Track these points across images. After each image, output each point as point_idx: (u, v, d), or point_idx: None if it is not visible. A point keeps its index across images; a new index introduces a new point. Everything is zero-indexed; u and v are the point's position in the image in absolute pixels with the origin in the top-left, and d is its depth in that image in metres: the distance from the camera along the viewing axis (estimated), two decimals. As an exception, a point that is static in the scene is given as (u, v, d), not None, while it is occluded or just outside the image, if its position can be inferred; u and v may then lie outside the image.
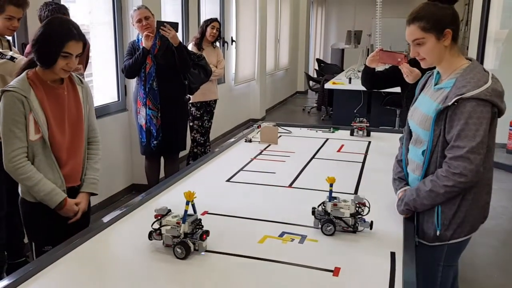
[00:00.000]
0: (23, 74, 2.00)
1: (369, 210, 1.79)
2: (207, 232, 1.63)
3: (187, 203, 1.59)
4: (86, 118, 2.17)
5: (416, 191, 1.84)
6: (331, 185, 1.80)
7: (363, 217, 1.78)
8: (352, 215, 1.76)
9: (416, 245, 1.92)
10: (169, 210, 1.66)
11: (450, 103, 1.72)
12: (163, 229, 1.61)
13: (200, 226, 1.63)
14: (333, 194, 1.80)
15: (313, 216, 1.81)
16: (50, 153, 2.02)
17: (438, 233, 1.84)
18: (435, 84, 1.90)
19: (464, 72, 1.78)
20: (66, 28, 1.96)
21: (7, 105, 1.93)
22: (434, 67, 1.93)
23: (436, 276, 1.89)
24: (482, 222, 1.88)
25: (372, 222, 1.78)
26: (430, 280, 1.91)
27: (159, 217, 1.63)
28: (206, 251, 1.63)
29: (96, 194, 2.26)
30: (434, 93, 1.87)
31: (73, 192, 2.13)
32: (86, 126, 2.19)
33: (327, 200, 1.79)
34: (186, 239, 1.58)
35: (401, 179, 2.04)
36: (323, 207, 1.80)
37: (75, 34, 1.96)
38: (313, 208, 1.82)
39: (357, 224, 1.77)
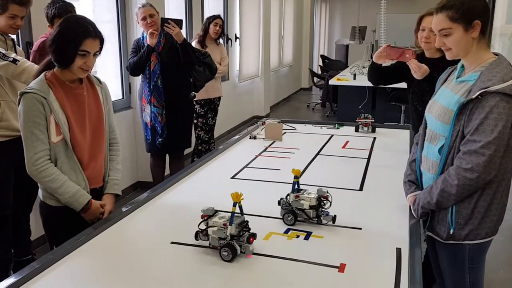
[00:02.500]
0: (41, 75, 1.96)
1: (330, 204, 1.82)
2: (254, 235, 1.59)
3: (234, 205, 1.56)
4: (106, 119, 2.13)
5: (430, 194, 1.80)
6: (295, 177, 1.84)
7: (327, 210, 1.82)
8: (312, 207, 1.79)
9: (424, 240, 1.91)
10: (216, 211, 1.63)
11: (473, 96, 1.66)
12: (210, 230, 1.58)
13: (247, 228, 1.60)
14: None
15: (279, 206, 1.87)
16: (72, 155, 1.98)
17: (451, 231, 1.79)
18: (457, 77, 1.84)
19: (490, 66, 1.72)
20: (82, 26, 1.92)
21: (27, 107, 1.88)
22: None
23: (465, 278, 1.85)
24: (499, 224, 1.83)
25: (335, 216, 1.81)
26: (460, 282, 1.87)
27: (205, 218, 1.61)
28: (254, 253, 1.60)
29: (120, 195, 2.21)
30: (456, 86, 1.82)
31: (95, 193, 2.08)
32: (107, 127, 2.15)
33: (291, 191, 1.84)
34: (232, 242, 1.55)
35: (411, 182, 1.99)
36: (288, 198, 1.84)
37: (91, 31, 1.93)
38: (280, 199, 1.86)
39: (321, 217, 1.81)
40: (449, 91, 1.84)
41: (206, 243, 1.62)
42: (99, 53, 1.99)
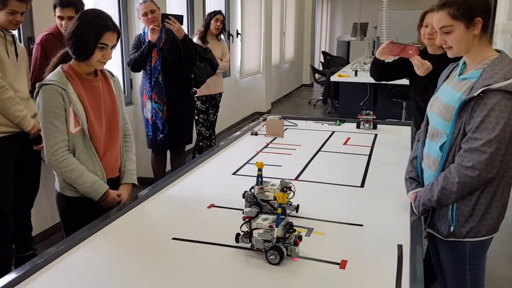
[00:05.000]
0: (58, 68, 2.00)
1: (294, 194, 1.84)
2: (300, 237, 1.55)
3: (280, 206, 1.53)
4: (120, 110, 2.18)
5: (431, 191, 1.79)
6: (259, 170, 1.87)
7: (290, 200, 1.85)
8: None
9: (425, 237, 1.91)
10: (258, 212, 1.60)
11: (475, 94, 1.65)
12: (255, 233, 1.54)
13: (291, 230, 1.55)
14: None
15: (244, 199, 1.89)
16: (90, 145, 2.02)
17: (452, 229, 1.79)
18: (459, 75, 1.83)
19: (492, 63, 1.71)
20: (101, 20, 1.97)
21: (47, 98, 1.92)
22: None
23: (465, 275, 1.84)
24: (500, 221, 1.82)
25: (298, 205, 1.86)
26: (460, 279, 1.86)
27: (248, 220, 1.57)
28: (299, 256, 1.57)
29: (137, 185, 2.27)
30: (458, 83, 1.80)
31: (112, 183, 2.13)
32: (121, 118, 2.20)
33: (255, 184, 1.86)
34: (279, 244, 1.51)
35: (412, 179, 1.98)
36: (252, 191, 1.87)
37: (110, 25, 1.98)
38: (244, 192, 1.89)
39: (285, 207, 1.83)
40: (451, 88, 1.83)
41: (244, 245, 1.58)
42: (115, 47, 2.04)
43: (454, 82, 1.84)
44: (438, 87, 1.95)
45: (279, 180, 1.88)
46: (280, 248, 1.50)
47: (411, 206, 1.91)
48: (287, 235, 1.54)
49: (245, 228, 1.58)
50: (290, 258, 1.53)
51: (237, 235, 1.59)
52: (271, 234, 1.51)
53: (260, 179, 1.88)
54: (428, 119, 1.95)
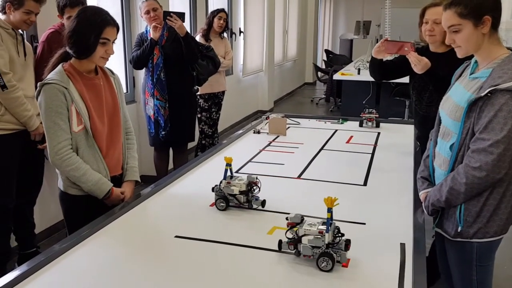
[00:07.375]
0: (59, 67, 2.00)
1: (259, 189, 1.89)
2: (349, 242, 1.50)
3: (329, 210, 1.48)
4: (121, 108, 2.18)
5: (440, 191, 1.77)
6: (227, 165, 1.94)
7: (256, 195, 1.92)
8: (242, 192, 1.87)
9: (433, 236, 1.89)
10: (303, 218, 1.54)
11: (483, 94, 1.63)
12: (304, 239, 1.49)
13: (340, 235, 1.50)
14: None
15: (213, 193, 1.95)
16: (93, 143, 2.03)
17: (459, 229, 1.77)
18: (471, 73, 1.80)
19: (502, 62, 1.68)
20: (100, 15, 1.98)
21: (49, 97, 1.91)
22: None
23: (472, 276, 1.82)
24: (510, 223, 1.78)
25: (264, 200, 1.90)
26: (467, 280, 1.84)
27: (292, 226, 1.51)
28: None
29: (139, 182, 2.28)
30: (469, 83, 1.78)
31: (114, 181, 2.13)
32: (123, 116, 2.20)
33: (223, 178, 1.93)
34: (329, 250, 1.46)
35: (424, 178, 1.96)
36: (220, 185, 1.92)
37: (109, 19, 1.99)
38: (214, 186, 1.95)
39: (251, 202, 1.89)
40: (462, 87, 1.81)
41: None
42: (115, 41, 2.04)
43: (466, 81, 1.81)
44: (451, 85, 1.92)
45: (246, 175, 1.94)
46: (331, 254, 1.46)
47: (414, 205, 1.91)
48: (336, 240, 1.49)
49: (290, 235, 1.52)
50: (340, 264, 1.48)
51: (280, 242, 1.54)
52: (322, 240, 1.47)
53: (230, 174, 1.94)
54: (440, 118, 1.93)
